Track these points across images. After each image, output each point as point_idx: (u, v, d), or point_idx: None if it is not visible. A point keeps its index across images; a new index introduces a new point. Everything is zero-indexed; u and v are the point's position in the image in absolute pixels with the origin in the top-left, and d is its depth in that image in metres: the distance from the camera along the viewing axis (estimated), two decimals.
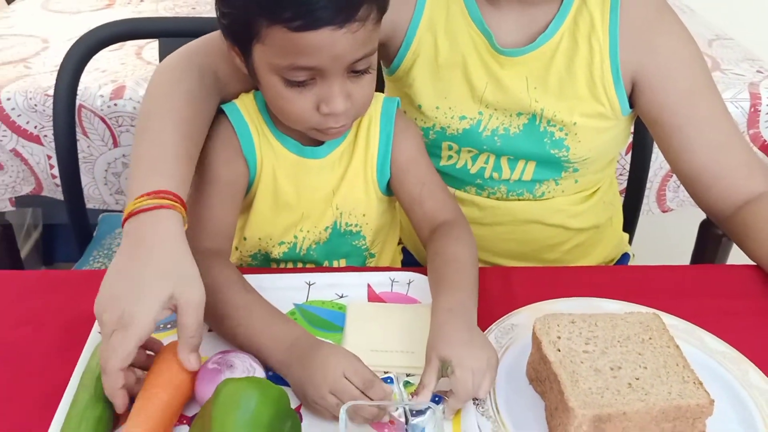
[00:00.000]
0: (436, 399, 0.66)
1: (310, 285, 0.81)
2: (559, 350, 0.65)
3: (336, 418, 0.59)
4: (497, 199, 0.97)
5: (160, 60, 0.87)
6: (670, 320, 0.76)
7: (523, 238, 0.99)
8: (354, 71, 0.72)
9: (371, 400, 0.62)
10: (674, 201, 1.58)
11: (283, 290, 0.79)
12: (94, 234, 1.29)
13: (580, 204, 0.99)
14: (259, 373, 0.65)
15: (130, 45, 1.50)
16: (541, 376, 0.67)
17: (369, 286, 0.81)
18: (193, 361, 0.62)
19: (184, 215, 0.68)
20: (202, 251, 0.72)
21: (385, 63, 0.98)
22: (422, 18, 0.91)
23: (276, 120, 0.82)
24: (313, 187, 0.84)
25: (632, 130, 0.99)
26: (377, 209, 0.87)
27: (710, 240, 1.73)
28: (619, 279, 0.85)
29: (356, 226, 0.87)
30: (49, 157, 1.35)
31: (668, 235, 1.66)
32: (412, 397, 0.66)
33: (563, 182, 0.96)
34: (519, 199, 0.97)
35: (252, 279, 0.80)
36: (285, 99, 0.73)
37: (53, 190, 1.40)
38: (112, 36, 1.11)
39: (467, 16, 0.90)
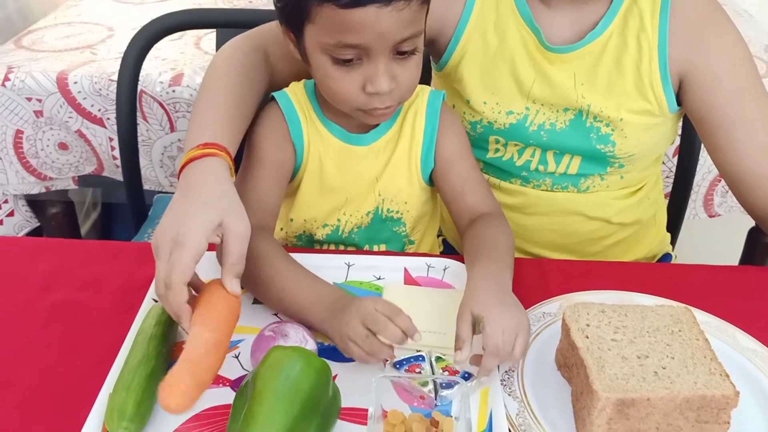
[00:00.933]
0: (466, 375, 0.68)
1: (349, 266, 0.84)
2: (587, 337, 0.67)
3: (365, 356, 0.66)
4: (542, 190, 0.99)
5: (217, 50, 0.92)
6: (702, 317, 0.77)
7: (566, 230, 1.00)
8: (399, 52, 0.74)
9: (397, 327, 0.66)
10: (722, 206, 1.56)
11: (323, 269, 0.82)
12: (149, 213, 1.35)
13: (625, 199, 1.00)
14: (311, 345, 0.68)
15: (190, 35, 1.56)
16: (569, 362, 0.69)
17: (405, 269, 0.84)
18: (235, 287, 0.66)
19: (230, 163, 0.74)
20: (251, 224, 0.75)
21: (434, 59, 1.00)
22: (471, 15, 0.93)
23: (324, 107, 0.85)
24: (357, 172, 0.87)
25: (680, 130, 0.99)
26: (419, 198, 0.90)
27: (758, 247, 1.70)
28: (653, 275, 0.86)
29: (397, 212, 0.90)
30: (111, 139, 1.43)
31: (715, 241, 1.64)
32: (443, 370, 0.69)
33: (608, 178, 0.97)
34: (564, 191, 0.98)
35: (294, 257, 0.84)
36: (333, 78, 0.76)
37: (113, 170, 1.47)
38: (172, 26, 1.17)
39: (517, 14, 0.92)
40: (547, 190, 0.99)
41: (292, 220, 0.90)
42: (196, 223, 0.66)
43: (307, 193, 0.88)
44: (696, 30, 0.89)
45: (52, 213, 1.60)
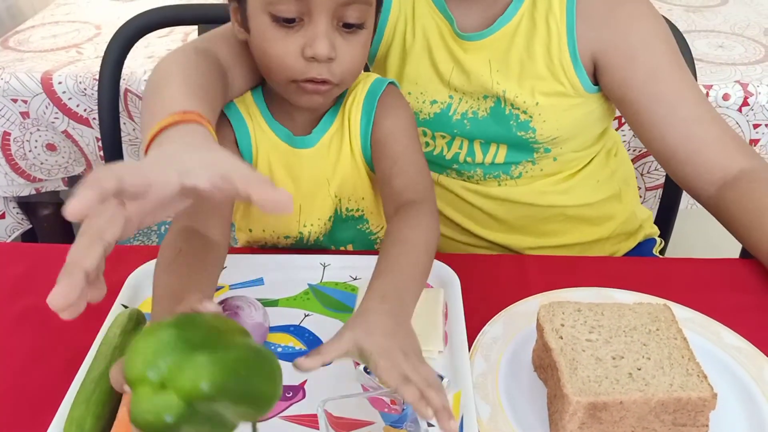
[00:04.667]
0: (440, 377, 0.66)
1: (324, 266, 0.83)
2: (562, 338, 0.65)
3: None
4: (476, 182, 0.97)
5: None
6: (685, 313, 0.74)
7: (514, 217, 0.99)
8: (345, 24, 0.71)
9: None
10: None
11: (298, 269, 0.81)
12: None
13: (563, 183, 0.98)
14: (258, 311, 0.68)
15: (178, 31, 1.55)
16: (544, 363, 0.67)
17: None
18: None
19: (213, 133, 0.61)
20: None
21: None
22: (392, 7, 0.93)
23: (271, 107, 0.81)
24: (307, 177, 0.83)
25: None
26: (374, 190, 0.86)
27: None
28: (637, 270, 0.83)
29: (357, 210, 0.87)
30: (98, 139, 1.42)
31: (713, 234, 1.61)
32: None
33: (540, 162, 0.95)
34: (499, 184, 0.97)
35: (267, 258, 0.83)
36: (271, 41, 0.71)
37: None
38: (153, 23, 1.15)
39: (431, 2, 0.91)
40: (479, 181, 0.97)
41: (251, 230, 0.88)
42: (171, 163, 0.51)
43: None
44: (607, 9, 0.87)
45: (44, 215, 1.60)
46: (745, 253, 1.54)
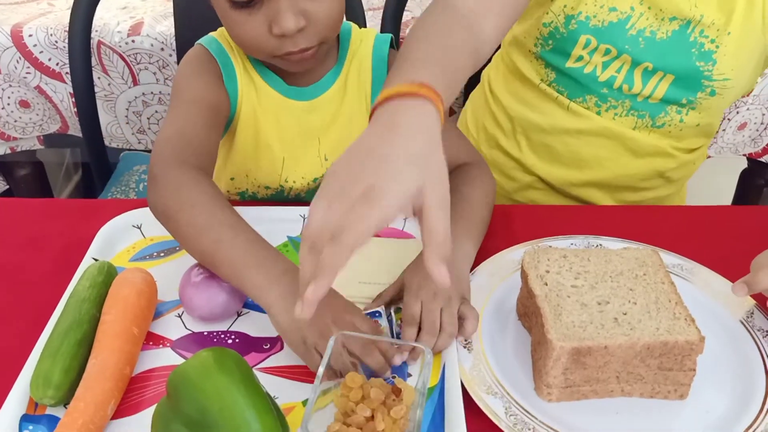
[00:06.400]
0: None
1: (305, 218, 0.80)
2: (546, 284, 0.63)
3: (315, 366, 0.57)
4: (613, 117, 0.92)
5: None
6: (674, 259, 0.73)
7: (617, 169, 0.95)
8: None
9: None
10: (713, 148, 1.50)
11: (276, 222, 0.78)
12: (115, 171, 1.31)
13: (684, 154, 0.95)
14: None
15: None
16: (529, 311, 0.65)
17: None
18: (444, 274, 0.51)
19: (442, 116, 0.57)
20: (187, 165, 0.67)
21: None
22: None
23: None
24: (295, 130, 0.80)
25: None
26: None
27: (751, 190, 1.66)
28: (625, 218, 0.82)
29: None
30: (72, 95, 1.37)
31: (706, 185, 1.59)
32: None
33: (687, 119, 0.91)
34: (635, 127, 0.92)
35: (243, 210, 0.79)
36: (236, 24, 0.68)
37: (79, 129, 1.42)
38: None
39: None
40: (617, 116, 0.91)
41: (232, 179, 0.85)
42: (398, 182, 0.51)
43: (242, 147, 0.82)
44: None
45: (22, 175, 1.55)
46: (737, 200, 1.53)
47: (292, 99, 0.79)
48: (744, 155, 1.57)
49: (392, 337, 0.65)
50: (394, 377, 0.59)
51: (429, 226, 0.51)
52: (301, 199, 0.86)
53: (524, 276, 0.65)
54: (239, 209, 0.80)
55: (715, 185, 1.59)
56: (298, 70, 0.76)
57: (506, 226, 0.80)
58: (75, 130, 1.43)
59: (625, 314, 0.59)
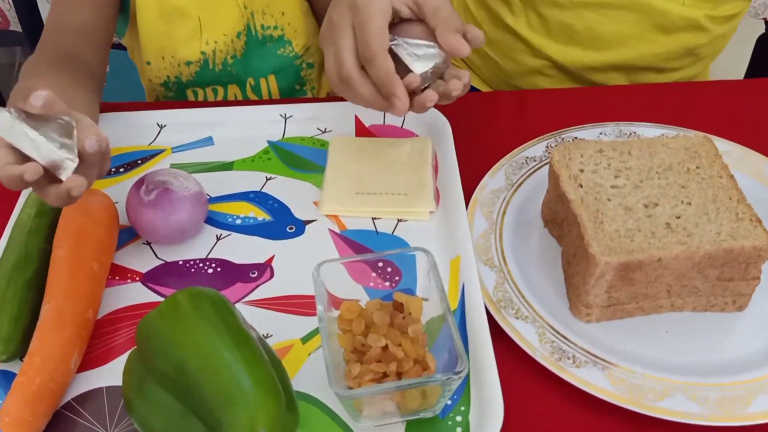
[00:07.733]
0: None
1: (286, 118, 0.68)
2: (581, 186, 0.53)
3: None
4: None
5: None
6: (723, 146, 0.62)
7: (641, 44, 0.81)
8: None
9: None
10: None
11: (254, 125, 0.67)
12: None
13: (718, 25, 0.82)
14: (189, 180, 0.57)
15: None
16: (559, 217, 0.55)
17: (356, 117, 0.68)
18: (463, 42, 0.51)
19: None
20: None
21: None
22: None
23: None
24: None
25: None
26: (300, 5, 0.73)
27: None
28: (660, 99, 0.70)
29: (276, 28, 0.73)
30: None
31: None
32: None
33: None
34: None
35: (217, 113, 0.68)
36: None
37: (18, 23, 1.26)
38: None
39: None
40: None
41: (149, 63, 0.73)
42: None
43: (147, 21, 0.70)
44: None
45: None
46: (751, 71, 1.41)
47: None
48: (763, 19, 1.43)
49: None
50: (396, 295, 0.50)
51: (431, 6, 0.51)
52: (230, 72, 0.75)
53: (554, 177, 0.55)
54: (209, 111, 0.69)
55: (727, 56, 1.46)
56: None
57: (517, 116, 0.69)
58: (15, 24, 1.27)
59: (678, 218, 0.50)
